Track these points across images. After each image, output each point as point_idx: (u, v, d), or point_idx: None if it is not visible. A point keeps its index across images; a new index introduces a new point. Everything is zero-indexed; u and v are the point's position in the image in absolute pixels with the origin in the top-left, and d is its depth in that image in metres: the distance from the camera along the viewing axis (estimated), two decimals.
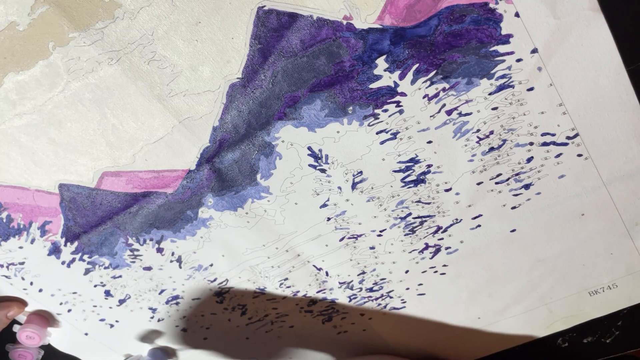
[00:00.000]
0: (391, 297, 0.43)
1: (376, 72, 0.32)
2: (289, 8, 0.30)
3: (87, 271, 0.43)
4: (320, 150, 0.35)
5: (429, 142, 0.34)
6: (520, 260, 0.40)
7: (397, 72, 0.32)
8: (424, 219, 0.38)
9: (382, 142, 0.35)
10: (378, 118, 0.33)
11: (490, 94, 0.32)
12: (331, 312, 0.45)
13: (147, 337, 0.49)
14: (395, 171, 0.36)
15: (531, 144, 0.34)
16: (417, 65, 0.31)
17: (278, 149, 0.35)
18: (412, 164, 0.35)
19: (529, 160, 0.34)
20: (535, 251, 0.39)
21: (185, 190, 0.38)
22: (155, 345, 0.50)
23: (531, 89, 0.32)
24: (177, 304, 0.45)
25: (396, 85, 0.32)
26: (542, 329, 0.44)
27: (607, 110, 0.32)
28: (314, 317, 0.46)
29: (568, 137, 0.33)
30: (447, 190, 0.36)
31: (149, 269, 0.43)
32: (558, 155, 0.34)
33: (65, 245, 0.41)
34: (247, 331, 0.48)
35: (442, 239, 0.39)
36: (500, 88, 0.32)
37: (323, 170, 0.36)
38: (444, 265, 0.41)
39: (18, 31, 0.32)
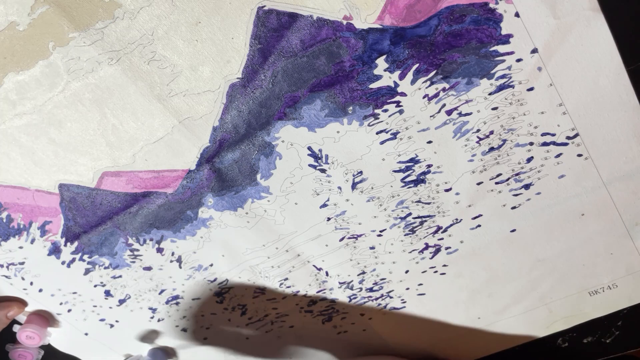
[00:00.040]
0: (391, 297, 0.43)
1: (376, 72, 0.32)
2: (289, 8, 0.30)
3: (87, 271, 0.43)
4: (320, 150, 0.35)
5: (429, 142, 0.34)
6: (520, 260, 0.40)
7: (397, 72, 0.32)
8: (424, 219, 0.38)
9: (382, 142, 0.34)
10: (378, 118, 0.33)
11: (490, 94, 0.32)
12: (331, 312, 0.45)
13: (147, 337, 0.49)
14: (395, 171, 0.36)
15: (531, 144, 0.34)
16: (417, 65, 0.31)
17: (278, 149, 0.35)
18: (412, 164, 0.35)
19: (529, 160, 0.34)
20: (535, 251, 0.39)
21: (185, 190, 0.38)
22: (155, 345, 0.50)
23: (531, 89, 0.32)
24: (177, 304, 0.45)
25: (396, 85, 0.32)
26: (542, 329, 0.44)
27: (607, 110, 0.32)
28: (314, 317, 0.46)
29: (568, 137, 0.33)
30: (447, 190, 0.36)
31: (149, 269, 0.43)
32: (558, 155, 0.34)
33: (65, 245, 0.41)
34: (247, 331, 0.48)
35: (442, 239, 0.39)
36: (500, 88, 0.32)
37: (323, 170, 0.36)
38: (444, 265, 0.41)
39: (18, 31, 0.32)
